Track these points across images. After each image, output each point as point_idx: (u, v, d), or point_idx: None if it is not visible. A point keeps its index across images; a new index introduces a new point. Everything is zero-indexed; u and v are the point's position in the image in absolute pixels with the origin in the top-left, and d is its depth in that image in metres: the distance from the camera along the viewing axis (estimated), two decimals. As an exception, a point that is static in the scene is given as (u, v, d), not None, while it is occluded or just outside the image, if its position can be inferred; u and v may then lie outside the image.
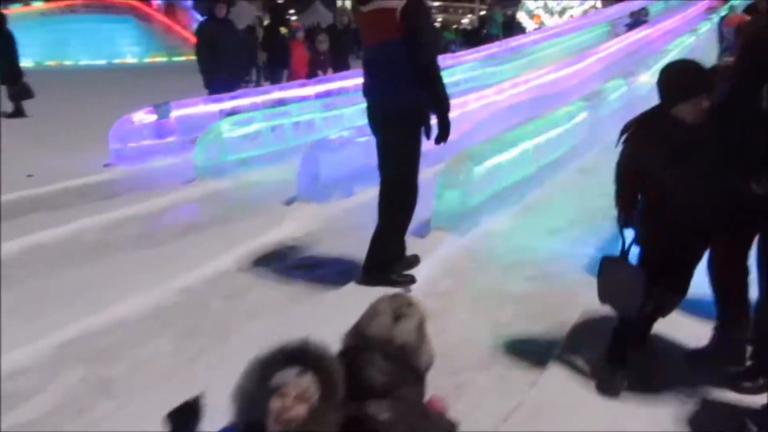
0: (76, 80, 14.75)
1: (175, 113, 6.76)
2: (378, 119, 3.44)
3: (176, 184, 5.61)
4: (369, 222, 4.34)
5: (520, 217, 5.00)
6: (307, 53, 9.16)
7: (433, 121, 3.33)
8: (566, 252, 4.28)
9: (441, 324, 3.29)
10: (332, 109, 7.11)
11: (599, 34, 16.79)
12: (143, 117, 6.54)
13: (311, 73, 9.03)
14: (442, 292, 3.62)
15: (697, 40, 13.78)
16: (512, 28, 17.75)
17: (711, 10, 20.76)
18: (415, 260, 3.73)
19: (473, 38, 14.61)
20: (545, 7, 52.42)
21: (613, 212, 2.66)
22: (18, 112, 9.43)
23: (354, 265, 3.86)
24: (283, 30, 10.28)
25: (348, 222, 4.80)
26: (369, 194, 5.42)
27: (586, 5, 52.10)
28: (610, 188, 2.69)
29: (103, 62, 19.80)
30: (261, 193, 5.47)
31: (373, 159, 5.39)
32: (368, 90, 3.46)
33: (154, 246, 4.24)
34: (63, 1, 22.58)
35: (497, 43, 13.88)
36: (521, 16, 41.49)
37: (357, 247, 4.10)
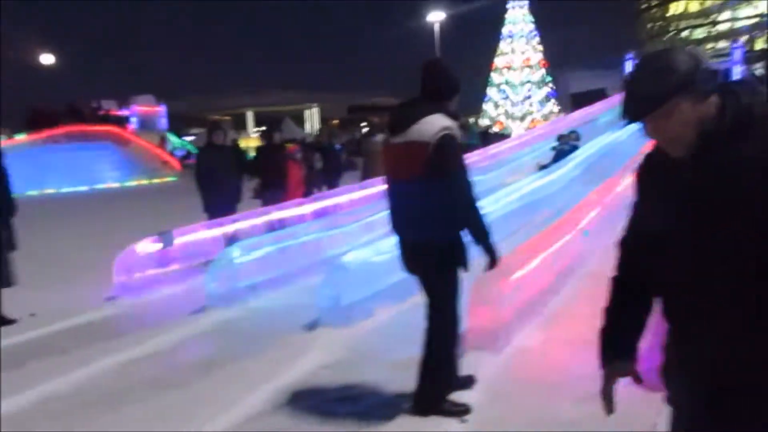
0: (60, 208, 14.64)
1: (178, 240, 6.62)
2: (415, 258, 3.34)
3: (185, 316, 5.37)
4: (396, 344, 4.26)
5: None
6: (303, 173, 9.26)
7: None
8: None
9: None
10: (337, 228, 7.06)
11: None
12: (146, 246, 6.37)
13: (308, 192, 9.08)
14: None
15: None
16: (488, 137, 18.46)
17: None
18: (469, 381, 3.57)
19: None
20: (506, 114, 55.17)
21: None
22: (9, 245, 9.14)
23: (396, 393, 3.63)
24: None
25: (375, 345, 4.59)
26: (388, 313, 5.28)
27: (545, 110, 55.01)
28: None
29: (84, 188, 19.84)
30: (277, 319, 5.24)
31: (389, 276, 5.35)
32: (399, 227, 3.36)
33: (174, 388, 3.92)
34: (45, 132, 23.02)
35: (477, 152, 14.28)
36: (484, 123, 43.29)
37: (392, 373, 3.90)
